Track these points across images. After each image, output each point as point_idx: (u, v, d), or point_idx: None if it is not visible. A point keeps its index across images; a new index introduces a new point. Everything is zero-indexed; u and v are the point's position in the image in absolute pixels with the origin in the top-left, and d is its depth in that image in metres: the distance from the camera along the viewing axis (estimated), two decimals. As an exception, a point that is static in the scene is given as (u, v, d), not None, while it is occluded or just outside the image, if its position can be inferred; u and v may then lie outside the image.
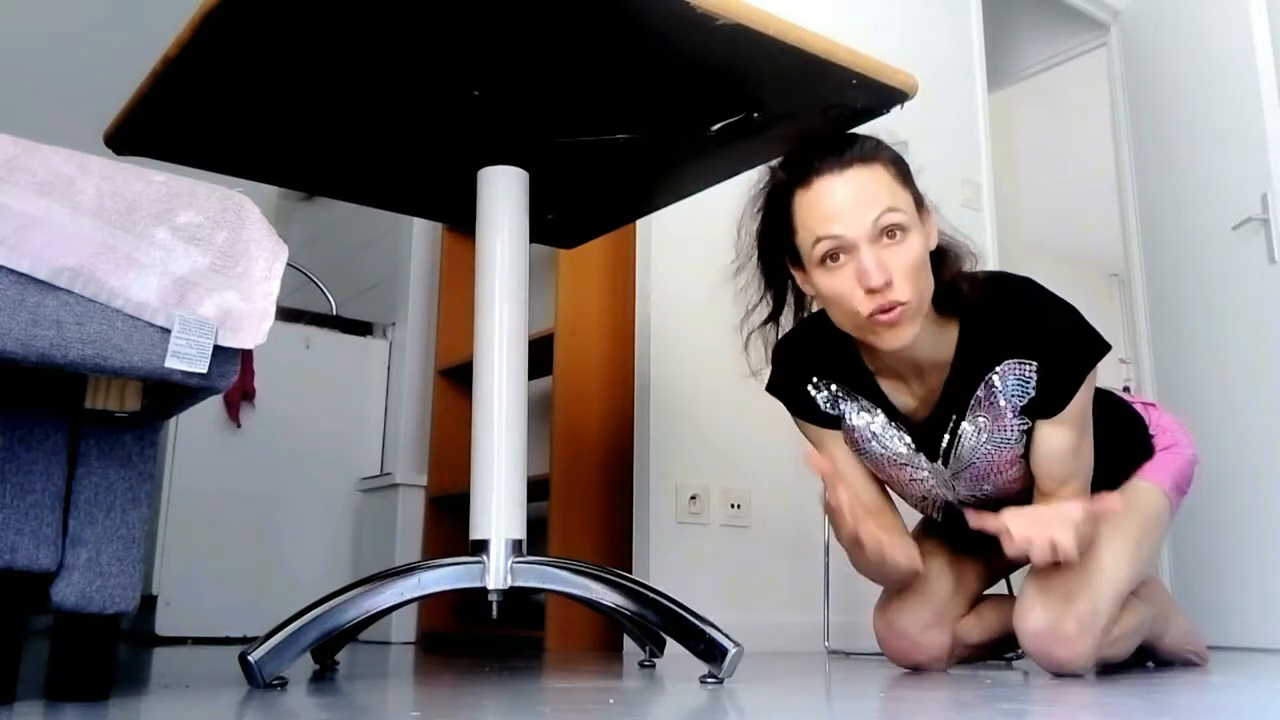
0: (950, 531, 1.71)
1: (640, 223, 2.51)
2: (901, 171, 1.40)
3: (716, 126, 1.52)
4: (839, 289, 1.36)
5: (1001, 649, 1.79)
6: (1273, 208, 2.94)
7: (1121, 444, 1.65)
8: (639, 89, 1.44)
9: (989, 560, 1.80)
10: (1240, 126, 3.06)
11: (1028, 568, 1.54)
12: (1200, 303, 3.19)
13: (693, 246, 2.49)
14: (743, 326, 1.57)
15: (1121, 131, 3.61)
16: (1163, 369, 3.24)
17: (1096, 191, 4.35)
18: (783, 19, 1.29)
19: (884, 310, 1.34)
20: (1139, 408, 1.76)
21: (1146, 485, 1.68)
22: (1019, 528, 1.39)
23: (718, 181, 1.72)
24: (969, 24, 3.36)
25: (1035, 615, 1.47)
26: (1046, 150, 4.89)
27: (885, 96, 1.44)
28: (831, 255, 1.36)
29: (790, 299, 1.56)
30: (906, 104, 1.47)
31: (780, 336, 1.59)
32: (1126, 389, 1.93)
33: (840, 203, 1.34)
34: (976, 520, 1.43)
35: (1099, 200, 4.27)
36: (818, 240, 1.36)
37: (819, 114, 1.49)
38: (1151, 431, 1.73)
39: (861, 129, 1.47)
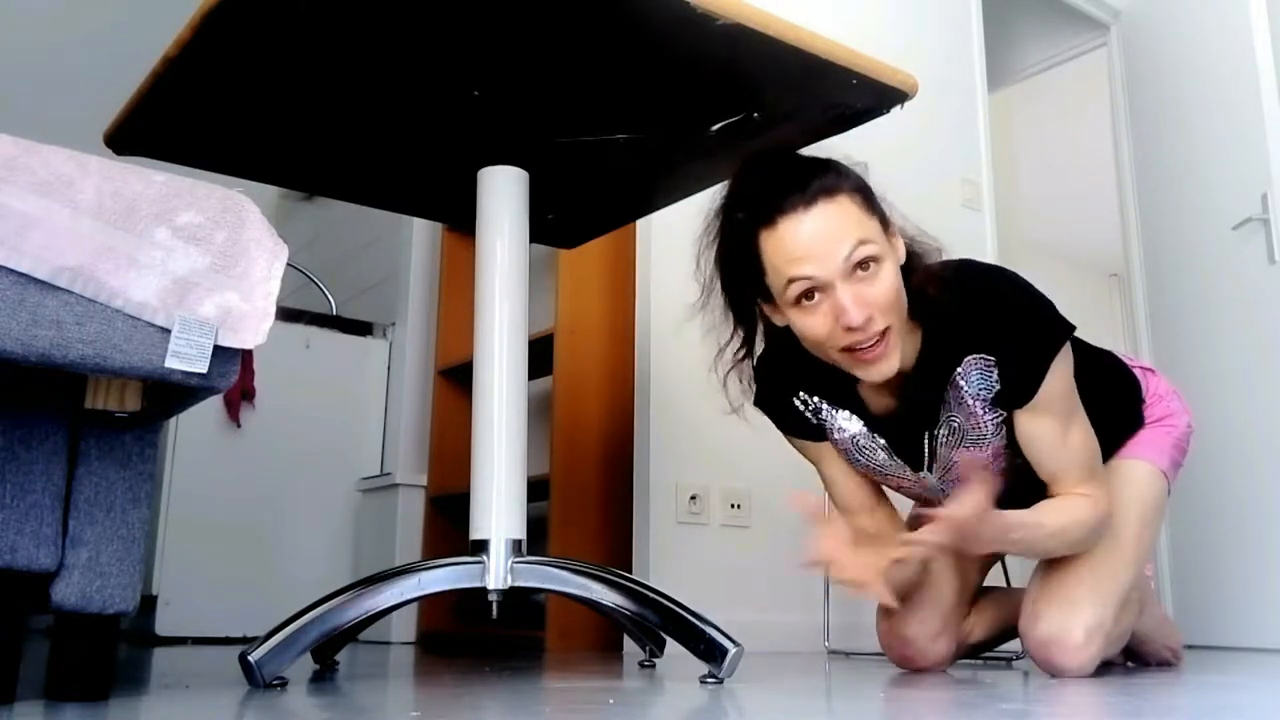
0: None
1: (640, 223, 2.51)
2: (866, 199, 1.35)
3: (716, 126, 1.52)
4: (817, 328, 1.33)
5: (1000, 640, 1.79)
6: (1273, 208, 2.93)
7: (1110, 408, 1.58)
8: (639, 89, 1.44)
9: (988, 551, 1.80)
10: (1240, 126, 3.06)
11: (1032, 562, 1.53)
12: (1200, 303, 3.19)
13: (693, 246, 2.48)
14: (716, 365, 1.51)
15: (1121, 132, 3.61)
16: (1163, 369, 3.23)
17: (1096, 191, 4.34)
18: (783, 19, 1.29)
19: (867, 346, 1.32)
20: (1138, 372, 1.71)
21: (1146, 468, 1.63)
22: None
23: (718, 181, 1.71)
24: (969, 24, 3.36)
25: (1042, 624, 1.45)
26: (1046, 150, 4.88)
27: (885, 96, 1.44)
28: (806, 294, 1.31)
29: (761, 327, 1.50)
30: (906, 104, 1.47)
31: (759, 355, 1.54)
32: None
33: (809, 242, 1.29)
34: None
35: (1099, 200, 4.26)
36: (790, 282, 1.31)
37: (819, 114, 1.49)
38: (1147, 400, 1.69)
39: (818, 148, 1.42)
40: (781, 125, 1.51)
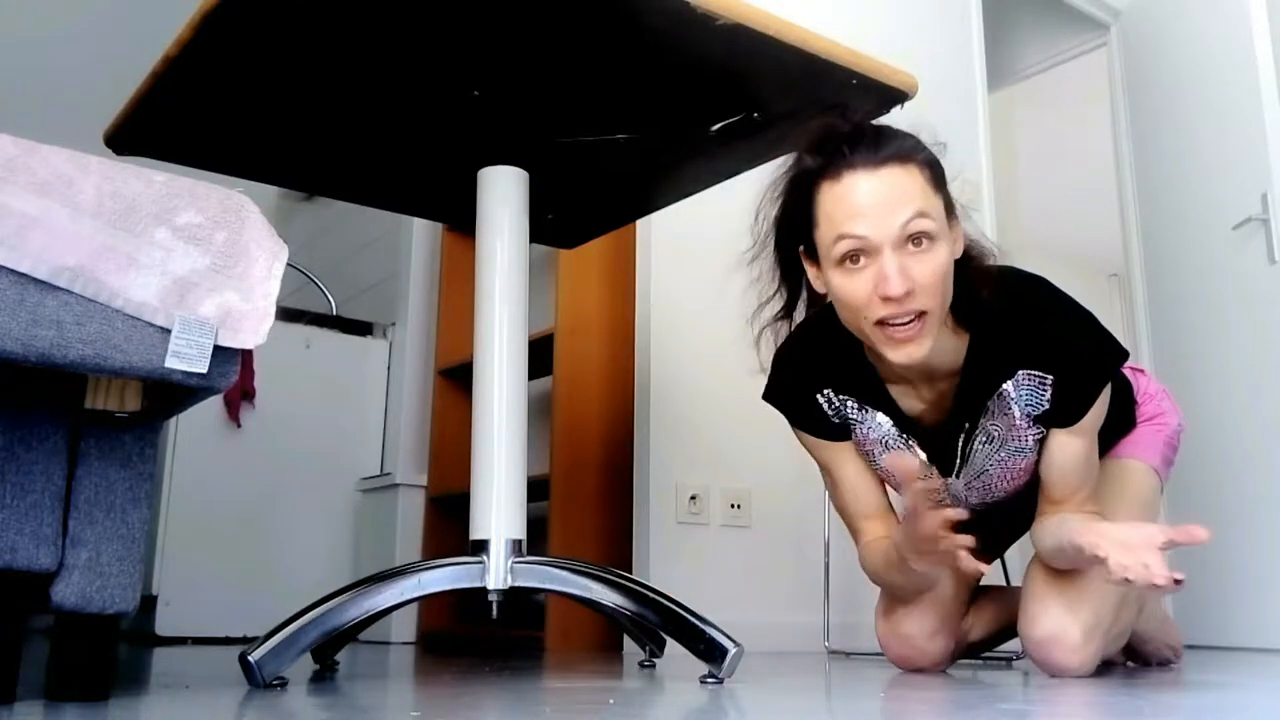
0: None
1: (640, 223, 2.51)
2: (936, 175, 1.32)
3: (716, 126, 1.52)
4: (855, 293, 1.29)
5: (1000, 640, 1.79)
6: (1273, 208, 2.94)
7: (1109, 414, 1.55)
8: (639, 89, 1.44)
9: (987, 551, 1.79)
10: (1240, 126, 3.06)
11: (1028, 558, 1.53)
12: (1200, 303, 3.19)
13: (693, 246, 2.49)
14: (754, 320, 1.49)
15: (1121, 131, 3.61)
16: (1163, 369, 3.24)
17: (1096, 191, 4.34)
18: (783, 19, 1.29)
19: (900, 321, 1.28)
20: (1127, 373, 1.70)
21: (1139, 466, 1.64)
22: (1116, 557, 1.26)
23: (718, 181, 1.72)
24: (969, 24, 3.36)
25: (1040, 624, 1.45)
26: (1046, 150, 4.89)
27: (885, 96, 1.44)
28: (852, 256, 1.28)
29: (804, 294, 1.47)
30: (906, 104, 1.47)
31: (780, 344, 1.52)
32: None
33: (868, 201, 1.26)
34: (1082, 538, 1.31)
35: (1099, 200, 4.26)
36: (840, 238, 1.28)
37: (819, 114, 1.49)
38: (1138, 399, 1.69)
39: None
40: (781, 125, 1.51)
